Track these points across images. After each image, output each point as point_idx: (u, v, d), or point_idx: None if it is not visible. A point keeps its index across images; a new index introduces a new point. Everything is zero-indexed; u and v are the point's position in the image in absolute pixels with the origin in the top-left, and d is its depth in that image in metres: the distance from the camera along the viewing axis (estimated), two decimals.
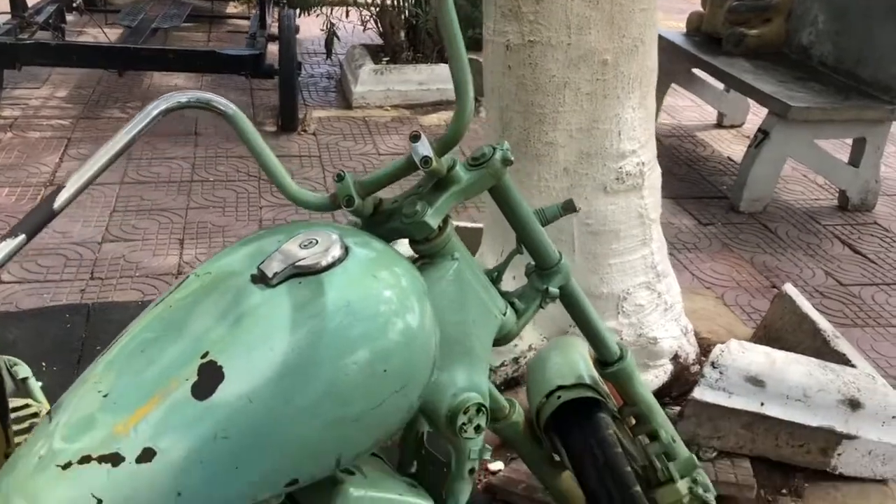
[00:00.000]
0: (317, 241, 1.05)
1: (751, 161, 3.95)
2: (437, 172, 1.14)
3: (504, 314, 1.29)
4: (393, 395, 1.01)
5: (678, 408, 2.19)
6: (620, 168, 2.15)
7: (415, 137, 1.13)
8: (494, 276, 1.38)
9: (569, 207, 1.39)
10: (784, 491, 2.24)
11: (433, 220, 1.17)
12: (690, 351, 2.39)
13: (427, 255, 1.21)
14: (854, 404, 2.21)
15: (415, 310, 1.05)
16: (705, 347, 2.57)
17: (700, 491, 1.53)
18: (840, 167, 4.05)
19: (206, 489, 0.92)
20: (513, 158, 1.22)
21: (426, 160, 1.11)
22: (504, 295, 1.36)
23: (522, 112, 2.11)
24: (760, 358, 2.20)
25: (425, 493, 1.25)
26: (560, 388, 1.55)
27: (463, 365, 1.22)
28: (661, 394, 2.34)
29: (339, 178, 1.16)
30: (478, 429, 1.22)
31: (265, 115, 4.75)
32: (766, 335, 2.68)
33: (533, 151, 2.13)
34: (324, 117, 4.83)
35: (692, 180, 4.34)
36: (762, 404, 2.15)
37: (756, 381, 2.16)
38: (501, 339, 1.31)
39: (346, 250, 1.06)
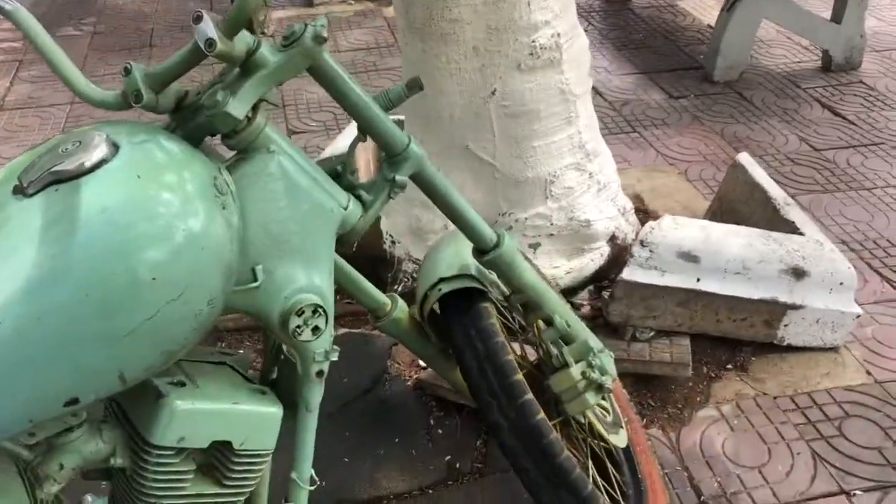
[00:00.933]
0: (79, 143, 0.97)
1: (724, 25, 3.72)
2: (226, 56, 1.04)
3: (345, 208, 1.21)
4: (169, 304, 0.94)
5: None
6: (534, 42, 2.00)
7: (197, 18, 1.03)
8: (340, 169, 1.29)
9: (413, 86, 1.29)
10: (729, 366, 2.18)
11: (237, 110, 1.07)
12: (629, 231, 2.29)
13: (241, 151, 1.12)
14: (798, 273, 2.12)
15: (198, 213, 0.97)
16: None
17: (595, 374, 1.47)
18: (821, 24, 3.80)
19: None
20: (326, 35, 1.11)
21: (210, 42, 1.01)
22: (351, 188, 1.28)
23: None
24: (694, 232, 2.11)
25: (273, 399, 1.20)
26: (442, 280, 1.48)
27: (295, 264, 1.15)
28: (600, 277, 2.27)
29: (126, 71, 1.06)
30: (315, 330, 1.16)
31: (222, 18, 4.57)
32: (721, 208, 2.57)
33: (438, 31, 1.99)
34: (284, 17, 4.65)
35: (667, 52, 4.13)
36: (698, 280, 2.07)
37: (690, 257, 2.07)
38: (348, 235, 1.23)
39: (117, 150, 0.97)
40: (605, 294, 2.15)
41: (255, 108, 1.11)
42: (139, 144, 1.00)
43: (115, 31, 4.53)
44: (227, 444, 1.13)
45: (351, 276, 1.41)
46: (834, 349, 2.21)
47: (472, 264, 1.48)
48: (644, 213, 2.68)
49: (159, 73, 1.07)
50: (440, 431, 1.95)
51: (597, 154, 2.22)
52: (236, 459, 1.14)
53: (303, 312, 1.14)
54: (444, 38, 2.00)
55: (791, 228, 2.25)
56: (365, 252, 2.39)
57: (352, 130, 2.70)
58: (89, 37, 4.47)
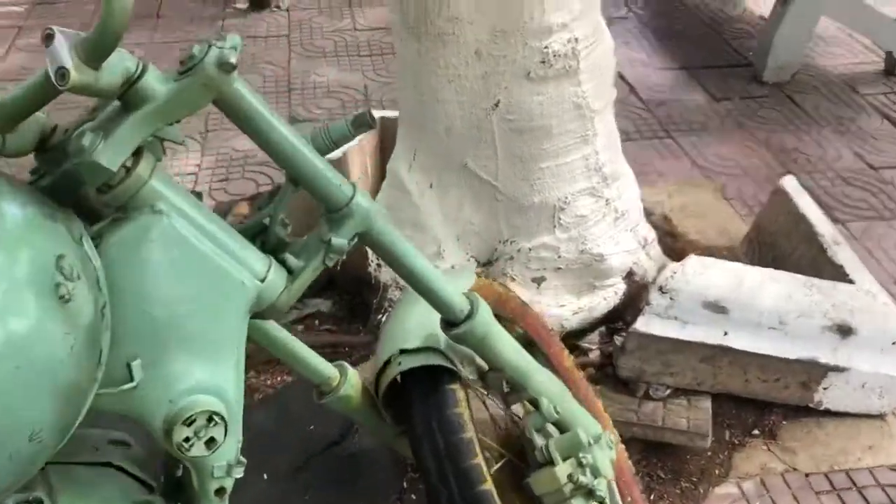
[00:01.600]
0: None
1: (778, 18, 3.35)
2: (89, 90, 0.77)
3: (263, 279, 0.94)
4: None
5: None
6: (546, 48, 1.70)
7: (47, 38, 0.76)
8: (266, 222, 1.02)
9: (361, 123, 1.01)
10: (755, 431, 1.89)
11: (108, 159, 0.80)
12: (650, 266, 1.99)
13: (118, 209, 0.86)
14: (844, 330, 1.81)
15: (20, 313, 0.71)
16: (683, 252, 2.17)
17: (585, 478, 1.20)
18: (886, 23, 3.42)
19: None
20: (233, 60, 0.83)
21: (61, 73, 0.74)
22: (278, 248, 1.01)
23: None
24: (724, 278, 1.80)
25: None
26: (403, 351, 1.21)
27: (187, 357, 0.89)
28: (613, 318, 1.98)
29: None
30: (211, 442, 0.90)
31: None
32: (759, 238, 2.26)
33: (435, 30, 1.70)
34: None
35: (712, 46, 3.77)
36: (725, 334, 1.77)
37: (717, 308, 1.77)
38: (268, 311, 0.97)
39: None
40: (617, 341, 1.87)
41: (137, 154, 0.85)
42: None
43: None
44: None
45: (287, 347, 1.14)
46: (880, 416, 1.91)
47: (442, 335, 1.21)
48: (671, 237, 2.38)
49: (5, 106, 0.80)
50: (413, 497, 1.69)
51: (616, 177, 1.92)
52: None
53: (193, 421, 0.88)
54: (441, 39, 1.71)
55: (839, 274, 1.93)
56: (349, 273, 2.13)
57: None
58: (94, 3, 4.22)
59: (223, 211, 2.42)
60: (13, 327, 0.70)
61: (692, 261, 1.82)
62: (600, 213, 1.90)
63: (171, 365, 0.88)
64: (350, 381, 1.22)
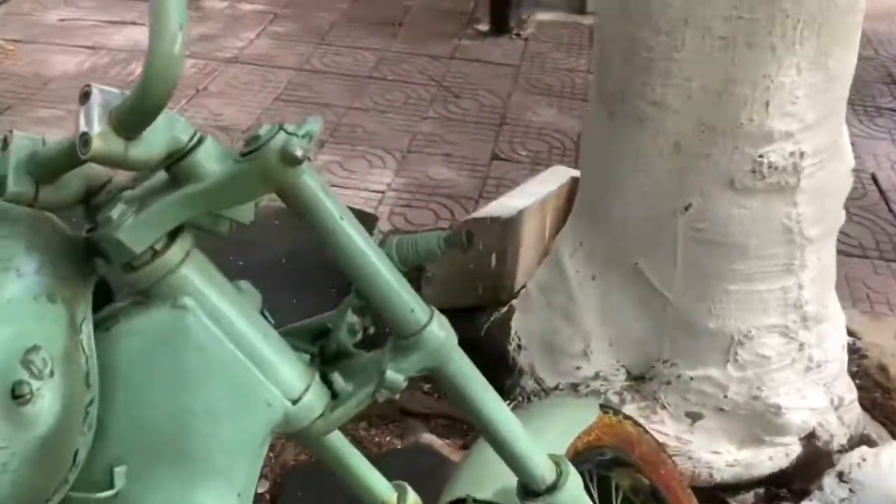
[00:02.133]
0: None
1: None
2: (116, 161, 0.65)
3: (297, 400, 0.78)
4: None
5: None
6: (761, 157, 1.42)
7: (84, 95, 0.65)
8: (330, 325, 0.87)
9: (454, 243, 0.82)
10: None
11: (133, 238, 0.68)
12: (839, 433, 1.63)
13: (140, 293, 0.73)
14: None
15: None
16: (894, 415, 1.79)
17: None
18: None
19: None
20: (299, 153, 0.68)
21: (84, 139, 0.63)
22: (336, 357, 0.85)
23: (623, 52, 1.45)
24: None
25: None
26: (475, 501, 1.02)
27: (181, 478, 0.75)
28: (777, 482, 1.64)
29: (3, 144, 0.71)
30: None
31: (483, 12, 4.24)
32: None
33: (633, 111, 1.48)
34: (546, 21, 4.22)
35: None
36: None
37: None
38: (296, 436, 0.81)
39: None
40: None
41: (173, 236, 0.72)
42: None
43: (375, 2, 4.37)
44: None
45: (337, 456, 0.98)
46: None
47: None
48: (883, 392, 1.97)
49: (38, 157, 0.70)
50: None
51: (819, 320, 1.59)
52: None
53: None
54: (639, 123, 1.48)
55: None
56: (489, 344, 1.96)
57: (534, 187, 2.25)
58: (348, 2, 4.35)
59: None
60: None
61: (891, 450, 1.45)
62: (789, 357, 1.58)
63: (162, 482, 0.74)
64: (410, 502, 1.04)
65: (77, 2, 4.13)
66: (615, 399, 1.65)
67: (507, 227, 2.02)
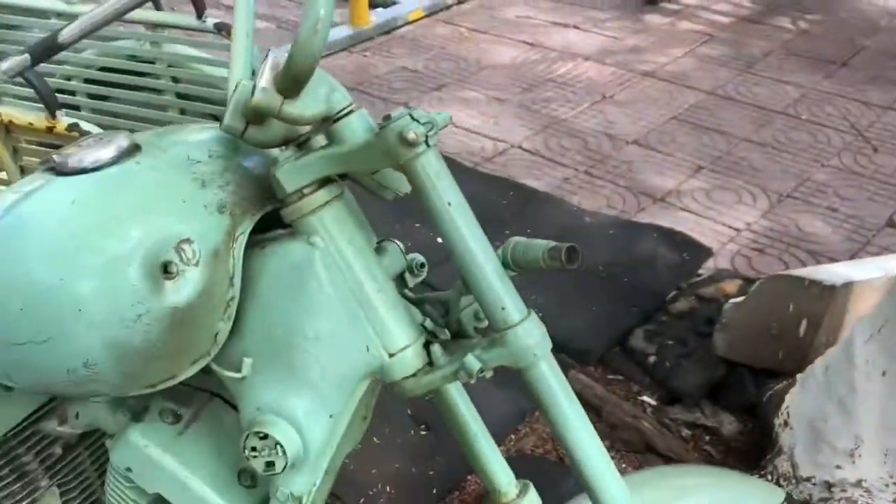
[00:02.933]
0: (102, 140, 0.88)
1: None
2: (264, 112, 0.80)
3: (393, 354, 0.87)
4: (35, 344, 0.83)
5: None
6: None
7: (266, 55, 0.81)
8: (443, 306, 0.93)
9: (556, 257, 0.83)
10: None
11: (286, 179, 0.85)
12: None
13: (287, 226, 0.89)
14: None
15: (102, 275, 0.80)
16: None
17: None
18: None
19: None
20: (412, 136, 0.77)
21: (252, 91, 0.80)
22: (459, 334, 0.92)
23: None
24: None
25: (251, 499, 1.00)
26: None
27: (287, 384, 0.90)
28: None
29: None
30: (269, 465, 0.91)
31: None
32: None
33: None
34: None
35: None
36: None
37: None
38: (390, 387, 0.90)
39: (116, 163, 0.86)
40: None
41: (322, 185, 0.86)
42: (140, 170, 0.86)
43: (825, 36, 4.05)
44: None
45: (472, 440, 1.04)
46: None
47: None
48: None
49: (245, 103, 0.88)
50: None
51: None
52: None
53: (265, 437, 0.89)
54: None
55: None
56: (767, 413, 1.77)
57: (890, 262, 1.95)
58: (794, 34, 4.10)
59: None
60: (84, 284, 0.80)
61: None
62: None
63: (272, 382, 0.90)
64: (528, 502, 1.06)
65: (538, 3, 4.54)
66: None
67: (830, 295, 1.80)
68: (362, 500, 1.79)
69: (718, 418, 1.88)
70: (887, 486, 1.45)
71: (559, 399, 0.87)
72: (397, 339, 0.88)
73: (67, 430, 1.10)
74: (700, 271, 2.33)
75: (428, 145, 0.80)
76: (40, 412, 1.09)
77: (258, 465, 0.90)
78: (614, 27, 4.23)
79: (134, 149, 0.88)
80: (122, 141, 0.88)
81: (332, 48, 4.01)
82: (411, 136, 0.77)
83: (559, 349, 2.02)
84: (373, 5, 4.35)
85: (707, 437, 1.86)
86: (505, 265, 0.87)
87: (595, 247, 2.46)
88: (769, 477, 1.62)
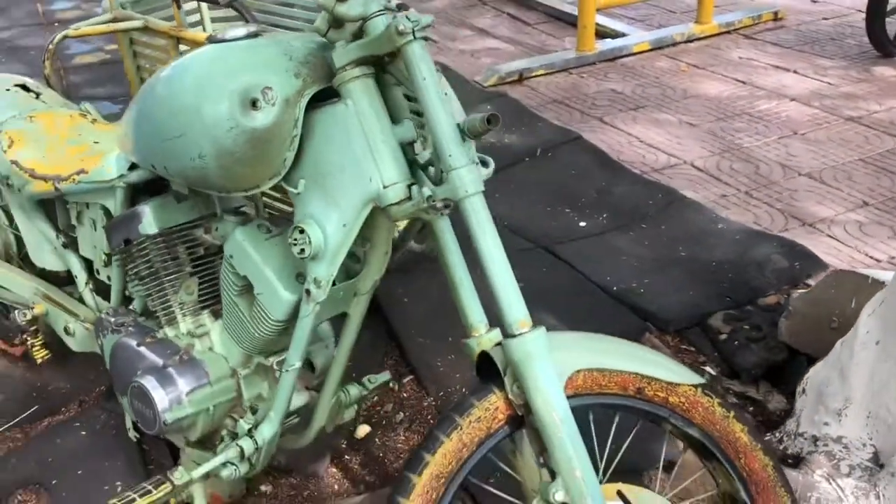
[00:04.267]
0: (239, 27, 1.40)
1: None
2: (322, 6, 1.25)
3: (386, 186, 1.28)
4: (172, 139, 1.35)
5: None
6: None
7: None
8: (428, 157, 1.31)
9: (493, 120, 1.19)
10: None
11: (336, 58, 1.30)
12: None
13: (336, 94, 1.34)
14: None
15: (215, 99, 1.29)
16: None
17: None
18: None
19: None
20: (403, 29, 1.18)
21: None
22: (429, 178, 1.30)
23: None
24: None
25: (297, 289, 1.45)
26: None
27: (322, 199, 1.34)
28: None
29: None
30: (301, 252, 1.35)
31: None
32: None
33: None
34: None
35: None
36: None
37: None
38: (387, 211, 1.29)
39: (243, 39, 1.37)
40: None
41: (359, 64, 1.29)
42: (256, 44, 1.36)
43: None
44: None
45: (453, 278, 1.42)
46: None
47: None
48: None
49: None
50: None
51: None
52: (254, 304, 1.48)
53: (302, 231, 1.34)
54: None
55: None
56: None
57: None
58: None
59: None
60: (205, 103, 1.30)
61: None
62: None
63: (314, 197, 1.34)
64: (490, 338, 1.38)
65: (766, 47, 4.66)
66: (843, 469, 1.56)
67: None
68: (441, 393, 2.19)
69: (768, 395, 2.03)
70: (864, 445, 1.56)
71: (483, 228, 1.23)
72: (391, 176, 1.29)
73: (209, 238, 1.64)
74: (808, 281, 2.44)
75: (415, 37, 1.21)
76: (196, 222, 1.64)
77: (296, 250, 1.36)
78: (836, 74, 4.24)
79: (257, 34, 1.39)
80: (252, 27, 1.39)
81: (554, 68, 4.47)
82: (402, 27, 1.19)
83: (643, 317, 2.29)
84: (602, 35, 4.75)
85: (752, 408, 2.03)
86: (462, 132, 1.24)
87: (715, 248, 2.65)
88: (777, 434, 1.78)
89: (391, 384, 2.23)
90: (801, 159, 3.40)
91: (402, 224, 1.54)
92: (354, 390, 1.74)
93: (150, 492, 1.48)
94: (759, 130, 3.67)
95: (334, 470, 2.01)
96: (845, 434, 1.59)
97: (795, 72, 4.30)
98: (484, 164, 1.39)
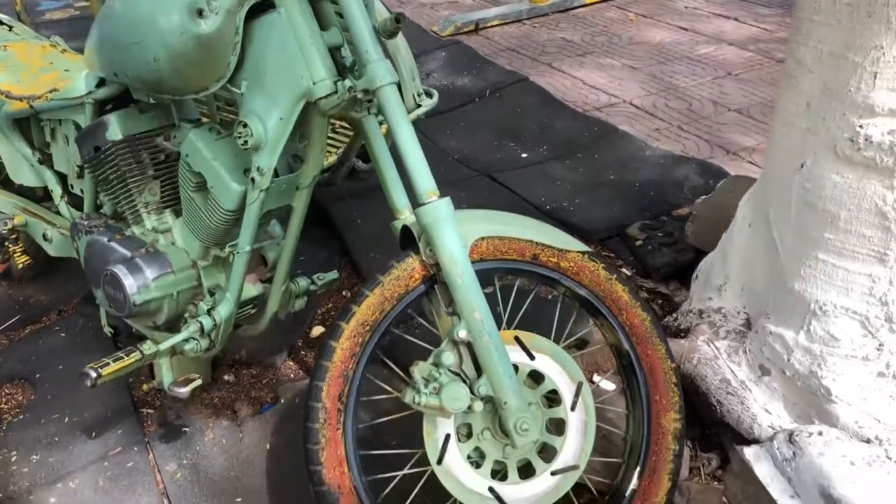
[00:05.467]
0: None
1: None
2: None
3: (315, 83, 1.50)
4: (133, 44, 1.56)
5: None
6: (860, 127, 1.45)
7: None
8: (353, 60, 1.53)
9: (399, 18, 1.41)
10: None
11: None
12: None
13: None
14: None
15: (168, 11, 1.51)
16: None
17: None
18: None
19: None
20: None
21: None
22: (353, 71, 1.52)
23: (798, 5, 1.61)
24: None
25: (245, 181, 1.68)
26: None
27: (262, 96, 1.56)
28: None
29: None
30: (244, 143, 1.57)
31: None
32: None
33: (787, 69, 1.63)
34: None
35: None
36: None
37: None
38: (317, 105, 1.51)
39: None
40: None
41: None
42: None
43: None
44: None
45: (380, 167, 1.64)
46: None
47: None
48: None
49: None
50: None
51: None
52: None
53: (245, 125, 1.56)
54: (788, 80, 1.63)
55: None
56: None
57: None
58: None
59: None
60: (162, 8, 1.51)
61: (826, 437, 1.37)
62: (862, 352, 1.53)
63: (255, 96, 1.56)
64: (412, 217, 1.61)
65: None
66: (721, 334, 1.81)
67: None
68: None
69: (676, 291, 2.29)
70: (738, 313, 1.81)
71: (397, 115, 1.45)
72: (319, 74, 1.51)
73: (169, 145, 1.85)
74: None
75: None
76: (157, 131, 1.86)
77: (240, 142, 1.58)
78: (773, 21, 4.48)
79: None
80: None
81: (508, 18, 4.67)
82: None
83: (570, 230, 2.53)
84: None
85: (660, 302, 2.28)
86: (377, 31, 1.46)
87: (640, 171, 2.90)
88: (674, 315, 2.04)
89: (342, 291, 2.47)
90: (732, 97, 3.65)
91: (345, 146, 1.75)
92: (303, 282, 1.98)
93: (121, 358, 1.71)
94: (696, 72, 3.91)
95: (290, 362, 2.25)
96: (724, 305, 1.85)
97: (736, 19, 4.54)
98: (429, 94, 1.62)
